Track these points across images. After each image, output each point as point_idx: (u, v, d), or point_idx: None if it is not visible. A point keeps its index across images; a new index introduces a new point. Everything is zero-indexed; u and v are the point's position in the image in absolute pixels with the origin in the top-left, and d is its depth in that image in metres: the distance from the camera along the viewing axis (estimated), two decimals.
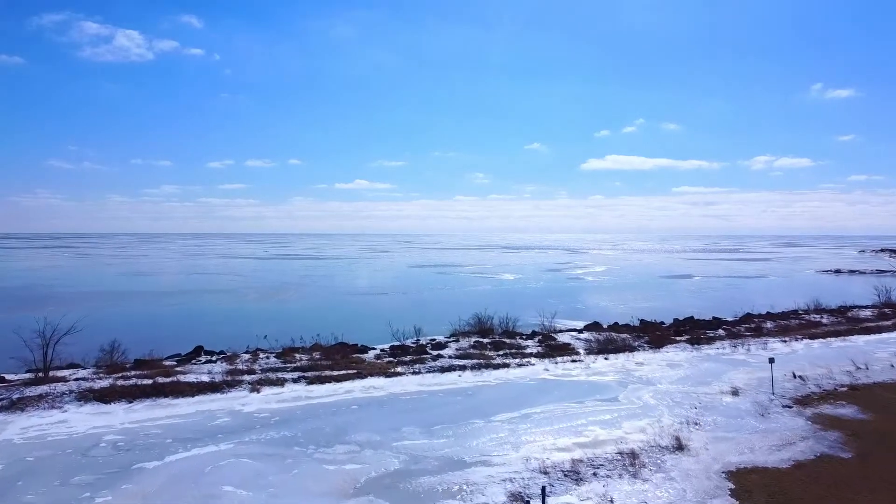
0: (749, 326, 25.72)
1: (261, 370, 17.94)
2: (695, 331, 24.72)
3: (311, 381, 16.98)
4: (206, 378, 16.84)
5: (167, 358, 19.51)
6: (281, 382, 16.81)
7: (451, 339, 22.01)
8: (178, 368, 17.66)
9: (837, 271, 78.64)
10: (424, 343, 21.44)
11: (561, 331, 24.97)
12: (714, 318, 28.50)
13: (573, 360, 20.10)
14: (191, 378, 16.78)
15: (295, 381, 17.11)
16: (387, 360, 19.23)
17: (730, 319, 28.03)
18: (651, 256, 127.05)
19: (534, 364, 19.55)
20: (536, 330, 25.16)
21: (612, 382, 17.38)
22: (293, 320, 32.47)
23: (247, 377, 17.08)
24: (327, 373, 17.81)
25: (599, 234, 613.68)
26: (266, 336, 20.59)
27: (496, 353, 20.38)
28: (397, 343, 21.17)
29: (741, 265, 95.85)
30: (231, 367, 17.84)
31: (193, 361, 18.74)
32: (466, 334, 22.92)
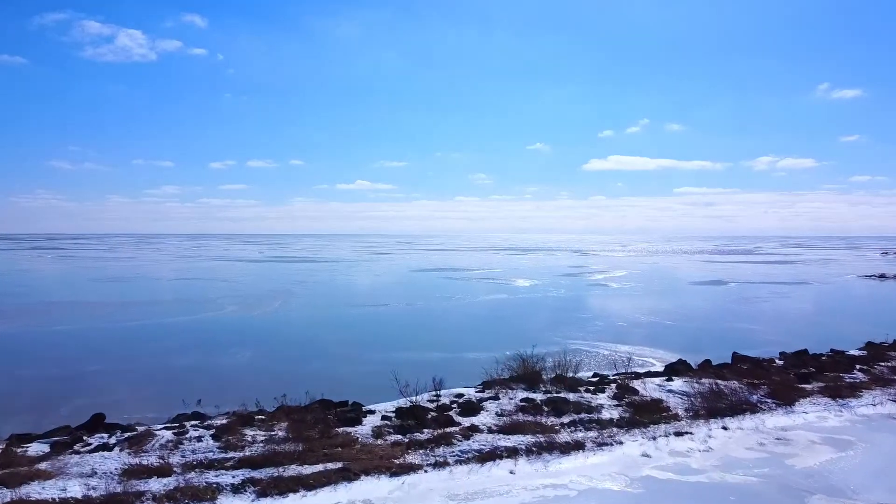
0: (891, 366, 18.65)
1: (182, 465, 10.86)
2: (823, 373, 17.65)
3: (263, 492, 9.95)
4: (78, 490, 9.76)
5: (42, 436, 12.39)
6: (212, 496, 9.77)
7: (488, 396, 14.83)
8: (40, 466, 10.57)
9: (882, 276, 71.58)
10: (448, 402, 14.33)
11: (638, 374, 17.86)
12: (833, 350, 21.40)
13: (678, 433, 13.06)
14: (52, 490, 9.70)
15: (237, 489, 10.07)
16: (393, 438, 12.16)
17: (855, 353, 20.91)
18: (666, 259, 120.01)
19: (622, 443, 12.50)
20: (599, 372, 18.15)
21: (770, 488, 10.36)
22: (259, 351, 25.24)
23: (153, 484, 10.02)
24: (294, 469, 10.75)
25: (602, 234, 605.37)
26: (200, 401, 13.31)
27: (558, 419, 13.34)
28: (407, 404, 13.94)
29: (768, 269, 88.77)
30: (133, 461, 10.78)
31: (78, 446, 11.66)
32: (506, 383, 15.77)
